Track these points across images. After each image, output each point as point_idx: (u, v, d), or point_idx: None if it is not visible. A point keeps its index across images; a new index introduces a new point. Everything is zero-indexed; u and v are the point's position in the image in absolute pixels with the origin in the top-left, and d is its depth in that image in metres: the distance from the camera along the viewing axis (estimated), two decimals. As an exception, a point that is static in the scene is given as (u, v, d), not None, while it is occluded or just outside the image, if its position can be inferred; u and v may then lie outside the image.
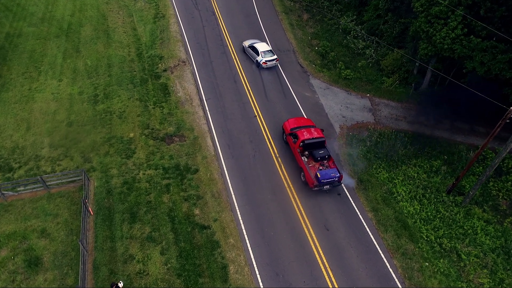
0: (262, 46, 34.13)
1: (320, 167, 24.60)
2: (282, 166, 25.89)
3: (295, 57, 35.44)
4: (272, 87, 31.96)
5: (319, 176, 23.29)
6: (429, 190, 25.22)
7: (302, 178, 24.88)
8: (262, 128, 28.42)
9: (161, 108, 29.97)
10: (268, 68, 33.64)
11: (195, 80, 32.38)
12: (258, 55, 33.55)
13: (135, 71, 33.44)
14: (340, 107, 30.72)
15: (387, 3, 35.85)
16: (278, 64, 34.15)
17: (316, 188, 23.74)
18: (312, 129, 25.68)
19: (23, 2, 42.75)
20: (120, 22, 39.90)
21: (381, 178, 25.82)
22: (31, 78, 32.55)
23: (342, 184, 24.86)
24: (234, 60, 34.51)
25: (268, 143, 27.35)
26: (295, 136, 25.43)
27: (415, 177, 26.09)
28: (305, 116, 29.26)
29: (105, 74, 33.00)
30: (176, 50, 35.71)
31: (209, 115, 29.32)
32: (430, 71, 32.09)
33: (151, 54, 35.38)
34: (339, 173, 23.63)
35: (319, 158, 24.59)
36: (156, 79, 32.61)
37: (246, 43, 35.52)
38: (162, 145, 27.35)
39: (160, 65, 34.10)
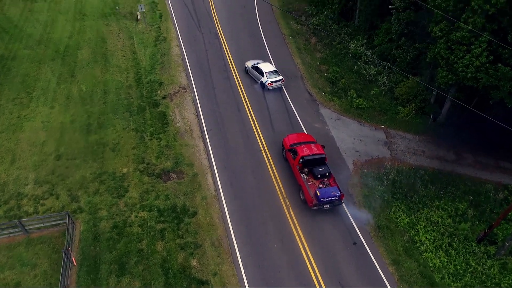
0: (266, 67, 31.54)
1: (320, 185, 22.80)
2: (291, 209, 22.72)
3: (303, 84, 32.57)
4: (278, 117, 29.02)
5: (318, 194, 21.63)
6: (456, 239, 21.91)
7: (301, 196, 23.10)
8: (268, 164, 25.36)
9: (159, 140, 27.01)
10: (275, 95, 30.80)
11: (196, 109, 29.51)
12: (263, 75, 31.00)
13: (132, 98, 30.64)
14: (353, 140, 27.66)
15: (400, 27, 33.07)
16: (285, 91, 31.33)
17: (315, 207, 21.95)
18: (312, 145, 24.09)
19: (21, 24, 40.45)
20: (119, 45, 37.34)
21: (402, 223, 22.57)
22: (21, 105, 29.81)
23: (358, 232, 21.64)
24: (238, 86, 31.68)
25: (275, 181, 24.24)
26: (295, 152, 23.78)
27: (439, 222, 22.82)
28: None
29: (100, 101, 30.21)
30: (176, 75, 32.96)
31: (210, 148, 26.31)
32: (449, 101, 29.08)
33: (151, 79, 32.63)
34: (340, 191, 21.96)
35: (319, 176, 23.04)
36: (155, 107, 29.75)
37: (249, 64, 32.89)
38: (158, 182, 24.29)
39: (159, 91, 31.31)
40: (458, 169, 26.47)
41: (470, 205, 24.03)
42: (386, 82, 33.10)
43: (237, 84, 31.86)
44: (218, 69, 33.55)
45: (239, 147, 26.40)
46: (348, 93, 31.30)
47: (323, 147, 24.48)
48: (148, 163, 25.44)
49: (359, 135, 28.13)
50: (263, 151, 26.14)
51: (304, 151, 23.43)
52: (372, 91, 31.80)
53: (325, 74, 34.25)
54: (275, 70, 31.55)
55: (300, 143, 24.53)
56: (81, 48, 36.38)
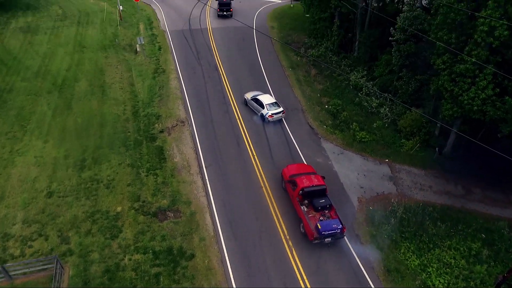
0: (266, 98, 30.88)
1: (321, 218, 21.85)
2: (294, 252, 21.27)
3: (304, 117, 31.75)
4: (279, 152, 27.98)
5: (319, 227, 20.74)
6: (472, 283, 20.40)
7: (301, 229, 22.16)
8: (269, 201, 24.10)
9: (155, 176, 25.83)
10: (275, 129, 29.91)
11: (194, 143, 28.50)
12: (263, 107, 30.27)
13: (129, 132, 29.67)
14: (356, 175, 26.52)
15: (401, 59, 32.63)
16: (286, 124, 30.47)
17: (316, 241, 21.03)
18: (313, 176, 23.32)
19: (20, 56, 40.10)
20: (117, 77, 36.78)
21: (412, 265, 21.11)
22: (14, 139, 28.78)
23: (367, 275, 20.15)
24: (238, 120, 30.80)
25: (277, 221, 22.91)
26: (294, 184, 23.04)
27: (453, 264, 21.36)
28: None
29: (96, 134, 29.22)
30: (175, 108, 32.17)
31: (208, 185, 25.10)
32: (454, 133, 28.18)
33: (148, 112, 31.79)
34: (342, 224, 21.12)
35: (319, 208, 22.22)
36: (152, 142, 28.74)
37: (249, 95, 32.19)
38: (153, 222, 22.93)
39: (157, 125, 30.39)
40: (468, 204, 25.23)
41: (483, 244, 22.63)
42: (389, 114, 32.32)
43: (237, 118, 31.01)
44: (217, 102, 32.81)
45: (239, 184, 25.20)
46: (351, 126, 30.43)
47: (323, 178, 23.77)
48: (143, 201, 24.14)
49: (363, 170, 27.02)
50: (263, 188, 24.92)
51: (304, 182, 22.67)
52: (374, 124, 30.96)
53: (326, 106, 33.52)
54: (275, 102, 30.87)
55: (300, 174, 23.71)
56: (78, 80, 35.76)
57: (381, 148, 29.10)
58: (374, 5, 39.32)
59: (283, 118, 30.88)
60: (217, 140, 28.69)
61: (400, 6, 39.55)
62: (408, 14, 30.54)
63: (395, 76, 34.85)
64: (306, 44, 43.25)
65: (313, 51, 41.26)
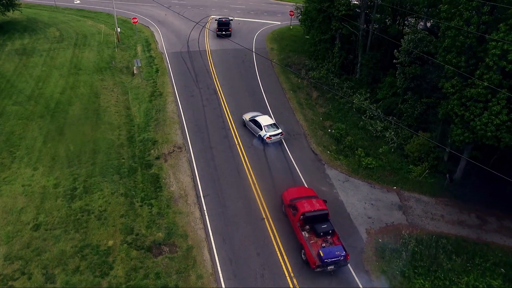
0: (265, 120, 29.89)
1: (323, 244, 20.74)
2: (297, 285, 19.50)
3: (306, 142, 30.32)
4: (282, 180, 26.40)
5: (322, 254, 19.71)
6: (495, 327, 18.57)
7: (302, 256, 21.01)
8: (271, 235, 22.39)
9: (150, 207, 24.15)
10: (277, 155, 28.44)
11: (192, 171, 26.94)
12: (261, 129, 29.20)
13: (123, 159, 28.13)
14: (364, 204, 24.92)
15: (406, 81, 31.51)
16: (288, 150, 29.03)
17: (318, 269, 19.83)
18: (314, 200, 22.34)
19: (13, 78, 38.94)
20: (113, 101, 35.49)
21: (429, 306, 19.30)
22: (2, 166, 27.19)
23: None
24: (237, 146, 29.36)
25: (280, 257, 21.13)
26: (295, 208, 22.06)
27: (472, 304, 19.56)
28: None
29: (89, 162, 27.66)
30: (172, 133, 30.73)
31: (207, 217, 23.42)
32: (465, 159, 26.74)
33: (144, 138, 30.33)
34: (345, 251, 20.12)
35: (321, 234, 21.15)
36: (147, 169, 27.17)
37: (247, 116, 31.25)
38: (147, 257, 21.13)
39: (152, 151, 28.88)
40: (484, 235, 23.58)
41: (504, 280, 20.88)
42: (394, 138, 30.96)
43: (236, 143, 29.56)
44: (216, 127, 31.43)
45: (239, 215, 23.52)
46: (356, 151, 28.98)
47: (325, 201, 22.73)
48: (137, 234, 22.39)
49: (371, 198, 25.44)
50: (265, 220, 23.24)
51: (305, 207, 21.63)
52: (380, 149, 29.56)
53: (329, 130, 32.19)
54: (274, 124, 29.82)
55: (300, 198, 22.72)
56: (72, 104, 34.44)
57: (388, 175, 27.59)
58: (375, 26, 38.55)
59: (284, 143, 29.53)
60: (216, 168, 27.14)
61: (402, 28, 38.76)
62: (412, 36, 29.57)
63: (400, 98, 33.70)
64: (307, 66, 42.30)
65: (314, 73, 40.25)
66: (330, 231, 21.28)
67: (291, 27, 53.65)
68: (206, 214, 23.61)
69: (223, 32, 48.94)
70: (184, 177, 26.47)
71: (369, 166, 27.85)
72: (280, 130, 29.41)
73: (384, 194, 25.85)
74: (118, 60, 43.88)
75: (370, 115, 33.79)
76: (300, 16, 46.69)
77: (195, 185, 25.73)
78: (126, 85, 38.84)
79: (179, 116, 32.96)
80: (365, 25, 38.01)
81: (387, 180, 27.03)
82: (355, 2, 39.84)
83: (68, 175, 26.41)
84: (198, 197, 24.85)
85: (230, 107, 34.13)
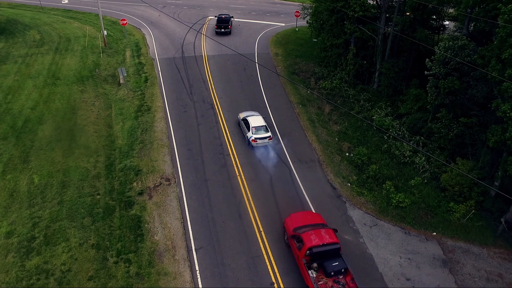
0: (255, 121, 26.99)
1: (334, 286, 16.86)
2: None
3: (322, 172, 24.66)
4: (294, 223, 20.77)
5: None
6: None
7: None
8: (284, 308, 16.81)
9: (127, 264, 18.55)
10: (288, 192, 22.78)
11: (182, 212, 21.33)
12: (249, 130, 26.51)
13: (98, 194, 22.52)
14: (399, 259, 19.32)
15: (439, 96, 25.86)
16: (301, 184, 23.40)
17: None
18: (323, 231, 18.39)
19: (-20, 90, 33.15)
20: (93, 117, 29.81)
21: None
22: None
23: None
24: (239, 178, 23.74)
25: None
26: (299, 240, 18.28)
27: None
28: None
29: (55, 199, 22.06)
30: (159, 159, 25.12)
31: (199, 281, 17.79)
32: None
33: (126, 165, 24.72)
34: None
35: (332, 273, 17.29)
36: (127, 209, 21.58)
37: (242, 115, 28.35)
38: None
39: (135, 183, 23.28)
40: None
41: None
42: (426, 165, 25.37)
43: (237, 174, 23.93)
44: (212, 152, 25.77)
45: (243, 279, 17.90)
46: (383, 185, 23.37)
47: (335, 231, 18.73)
48: (108, 307, 16.83)
49: (406, 250, 19.84)
50: (275, 285, 17.62)
51: (312, 239, 17.74)
52: (412, 181, 23.89)
53: (347, 154, 26.58)
54: (264, 126, 26.79)
55: (306, 227, 18.76)
56: (44, 123, 28.76)
57: (424, 215, 22.01)
58: (396, 28, 32.77)
59: (296, 174, 23.95)
60: (211, 208, 21.51)
61: (430, 32, 32.99)
62: (451, 43, 23.88)
63: (429, 115, 28.11)
64: (316, 74, 36.65)
65: (326, 82, 34.59)
66: (343, 270, 17.36)
67: (297, 29, 47.88)
68: (198, 276, 17.98)
69: (222, 30, 45.01)
70: (172, 220, 20.84)
71: (400, 204, 22.25)
72: (269, 134, 26.44)
73: (422, 244, 20.25)
74: (103, 68, 38.18)
75: (393, 135, 28.17)
76: (308, 17, 41.00)
77: (186, 233, 20.08)
78: (110, 97, 33.17)
79: (169, 137, 27.32)
80: (385, 28, 32.32)
81: (424, 224, 21.44)
82: (371, 1, 34.12)
83: (26, 218, 20.78)
84: (189, 250, 19.21)
85: (229, 125, 28.48)
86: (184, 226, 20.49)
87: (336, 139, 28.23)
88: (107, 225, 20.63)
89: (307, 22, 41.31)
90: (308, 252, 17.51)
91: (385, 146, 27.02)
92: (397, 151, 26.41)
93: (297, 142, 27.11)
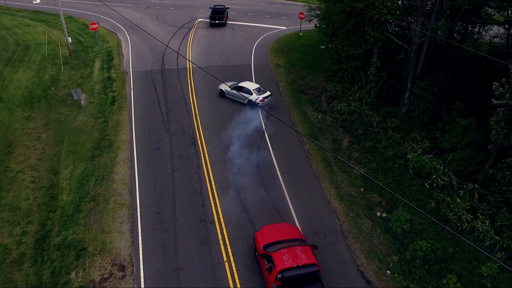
0: (250, 85, 26.99)
1: None
2: None
3: (348, 252, 16.59)
4: None
5: None
6: None
7: None
8: None
9: None
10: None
11: (135, 338, 13.36)
12: (251, 93, 26.27)
13: (13, 296, 14.51)
14: None
15: (508, 136, 17.99)
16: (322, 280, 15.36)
17: None
18: (298, 249, 14.63)
19: None
20: (33, 159, 21.74)
21: None
22: None
23: None
24: (226, 265, 15.70)
25: None
26: (270, 260, 14.39)
27: None
28: None
29: None
30: (114, 230, 17.09)
31: None
32: None
33: (65, 239, 16.73)
34: None
35: None
36: (50, 328, 13.58)
37: (226, 86, 27.16)
38: None
39: (73, 274, 15.28)
40: None
41: None
42: (493, 235, 17.48)
43: (225, 259, 15.83)
44: (190, 217, 17.70)
45: None
46: (442, 280, 15.38)
47: (314, 248, 15.11)
48: None
49: None
50: None
51: (285, 260, 14.15)
52: (483, 269, 15.91)
53: (379, 214, 18.60)
54: (260, 87, 27.07)
55: (278, 243, 15.05)
56: (-37, 168, 20.68)
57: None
58: (436, 36, 24.72)
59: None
60: (183, 328, 13.55)
61: (487, 39, 25.03)
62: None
63: (485, 154, 20.28)
64: (328, 93, 28.61)
65: (341, 104, 26.59)
66: None
67: (301, 33, 39.75)
68: None
69: (216, 21, 41.58)
70: None
71: (473, 313, 14.35)
72: (269, 93, 26.88)
73: None
74: (62, 84, 30.00)
75: (439, 182, 20.26)
76: (316, 19, 32.99)
77: None
78: (65, 125, 25.09)
79: (132, 191, 19.24)
80: (422, 37, 24.30)
81: None
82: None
83: None
84: None
85: (215, 172, 20.36)
86: None
87: (362, 189, 20.23)
88: None
89: (316, 26, 33.29)
90: (279, 276, 13.93)
91: (432, 203, 19.06)
92: (451, 213, 18.44)
93: (311, 200, 18.94)
